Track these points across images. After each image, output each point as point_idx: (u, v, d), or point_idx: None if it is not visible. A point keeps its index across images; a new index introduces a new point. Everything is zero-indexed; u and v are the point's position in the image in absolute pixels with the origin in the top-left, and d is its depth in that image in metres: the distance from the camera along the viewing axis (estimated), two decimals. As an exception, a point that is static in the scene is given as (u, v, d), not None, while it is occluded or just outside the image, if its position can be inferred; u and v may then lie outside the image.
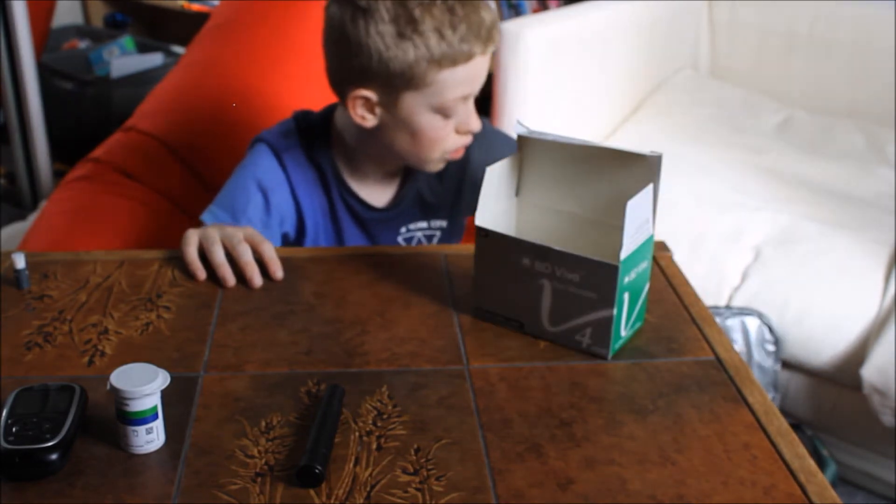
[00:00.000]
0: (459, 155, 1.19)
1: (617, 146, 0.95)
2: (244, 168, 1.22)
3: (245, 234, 1.06)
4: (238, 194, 1.20)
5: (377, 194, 1.25)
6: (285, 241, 1.24)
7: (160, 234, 1.48)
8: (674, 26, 2.53)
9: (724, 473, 0.76)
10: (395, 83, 1.10)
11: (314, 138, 1.23)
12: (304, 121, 1.25)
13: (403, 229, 1.28)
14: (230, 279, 1.03)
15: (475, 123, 1.16)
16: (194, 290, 1.02)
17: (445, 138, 1.15)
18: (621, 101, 2.39)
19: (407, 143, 1.16)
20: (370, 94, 1.12)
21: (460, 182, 1.29)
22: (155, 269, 1.07)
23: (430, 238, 1.30)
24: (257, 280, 1.03)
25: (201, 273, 1.04)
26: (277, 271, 1.04)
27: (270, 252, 1.05)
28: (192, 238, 1.06)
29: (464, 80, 1.11)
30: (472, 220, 1.36)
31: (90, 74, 2.98)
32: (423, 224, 1.29)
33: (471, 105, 1.15)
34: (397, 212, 1.26)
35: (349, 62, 1.12)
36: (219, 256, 1.04)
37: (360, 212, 1.24)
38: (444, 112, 1.13)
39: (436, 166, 1.20)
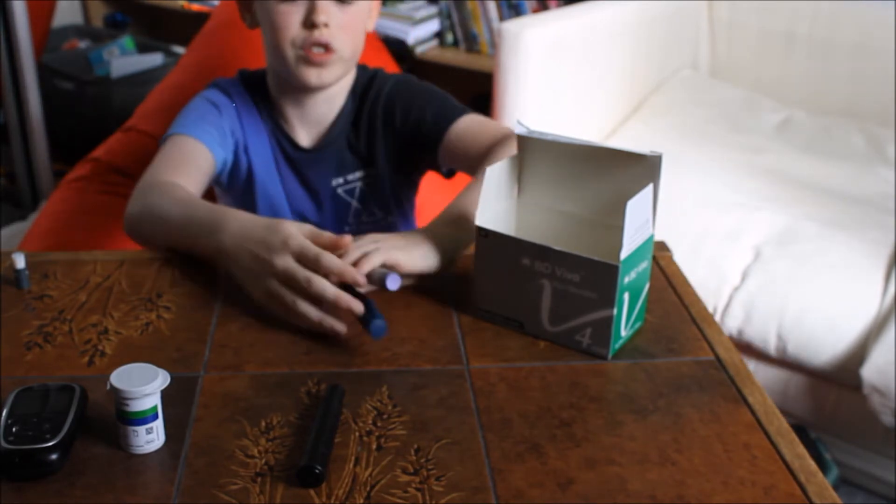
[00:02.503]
0: (320, 59, 1.19)
1: (617, 146, 0.95)
2: (193, 99, 1.30)
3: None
4: (190, 111, 1.26)
5: (305, 134, 1.30)
6: (238, 167, 1.28)
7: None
8: (674, 26, 2.53)
9: (724, 473, 0.76)
10: None
11: (255, 85, 1.30)
12: (246, 72, 1.33)
13: (341, 179, 1.30)
14: (340, 327, 0.93)
15: (319, 16, 1.17)
16: (194, 290, 1.03)
17: (289, 27, 1.18)
18: (621, 101, 2.39)
19: (268, 38, 1.22)
20: None
21: (371, 122, 1.30)
22: (155, 269, 1.07)
23: (366, 185, 1.32)
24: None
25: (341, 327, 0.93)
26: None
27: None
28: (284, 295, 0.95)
29: None
30: (403, 173, 1.35)
31: (90, 74, 2.98)
32: (361, 174, 1.32)
33: (321, 3, 1.17)
34: (327, 154, 1.29)
35: None
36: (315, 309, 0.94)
37: (290, 151, 1.29)
38: None
39: (299, 71, 1.20)
